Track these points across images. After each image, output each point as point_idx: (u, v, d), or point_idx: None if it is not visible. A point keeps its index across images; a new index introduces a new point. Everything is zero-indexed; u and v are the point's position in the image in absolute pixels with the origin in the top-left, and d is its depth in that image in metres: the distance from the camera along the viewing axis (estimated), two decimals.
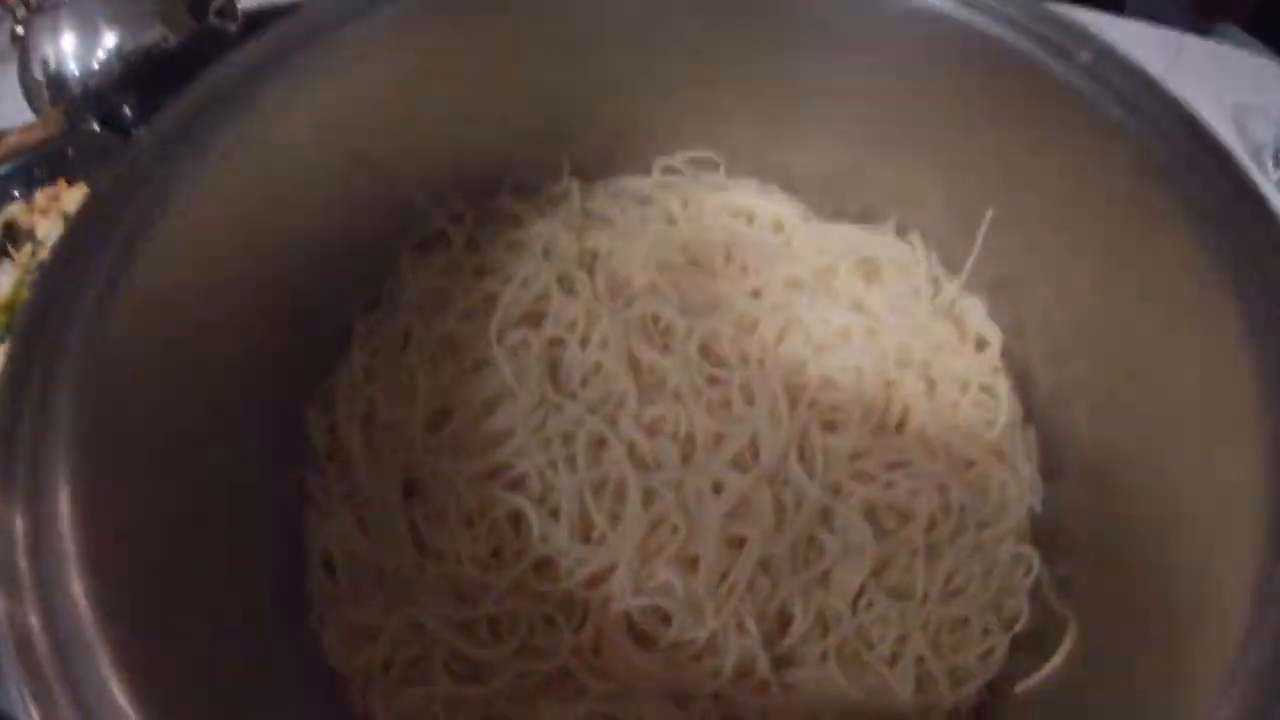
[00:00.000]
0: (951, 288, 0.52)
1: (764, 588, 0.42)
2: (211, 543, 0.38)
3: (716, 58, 0.51)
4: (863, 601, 0.43)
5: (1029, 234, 0.48)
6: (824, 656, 0.42)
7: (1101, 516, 0.42)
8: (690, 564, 0.42)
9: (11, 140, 0.61)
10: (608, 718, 0.40)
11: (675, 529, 0.42)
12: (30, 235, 0.57)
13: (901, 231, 0.54)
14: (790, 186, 0.56)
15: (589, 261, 0.51)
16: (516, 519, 0.44)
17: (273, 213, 0.43)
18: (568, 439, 0.45)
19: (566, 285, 0.50)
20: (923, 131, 0.49)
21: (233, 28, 0.63)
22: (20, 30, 0.62)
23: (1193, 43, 0.72)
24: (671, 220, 0.53)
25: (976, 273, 0.51)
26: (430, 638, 0.42)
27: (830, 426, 0.46)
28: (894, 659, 0.42)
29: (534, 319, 0.49)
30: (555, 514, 0.43)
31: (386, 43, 0.45)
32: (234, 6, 0.64)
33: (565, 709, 0.40)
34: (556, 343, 0.48)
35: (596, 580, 0.42)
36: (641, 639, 0.42)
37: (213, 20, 0.63)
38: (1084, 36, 0.42)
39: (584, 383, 0.47)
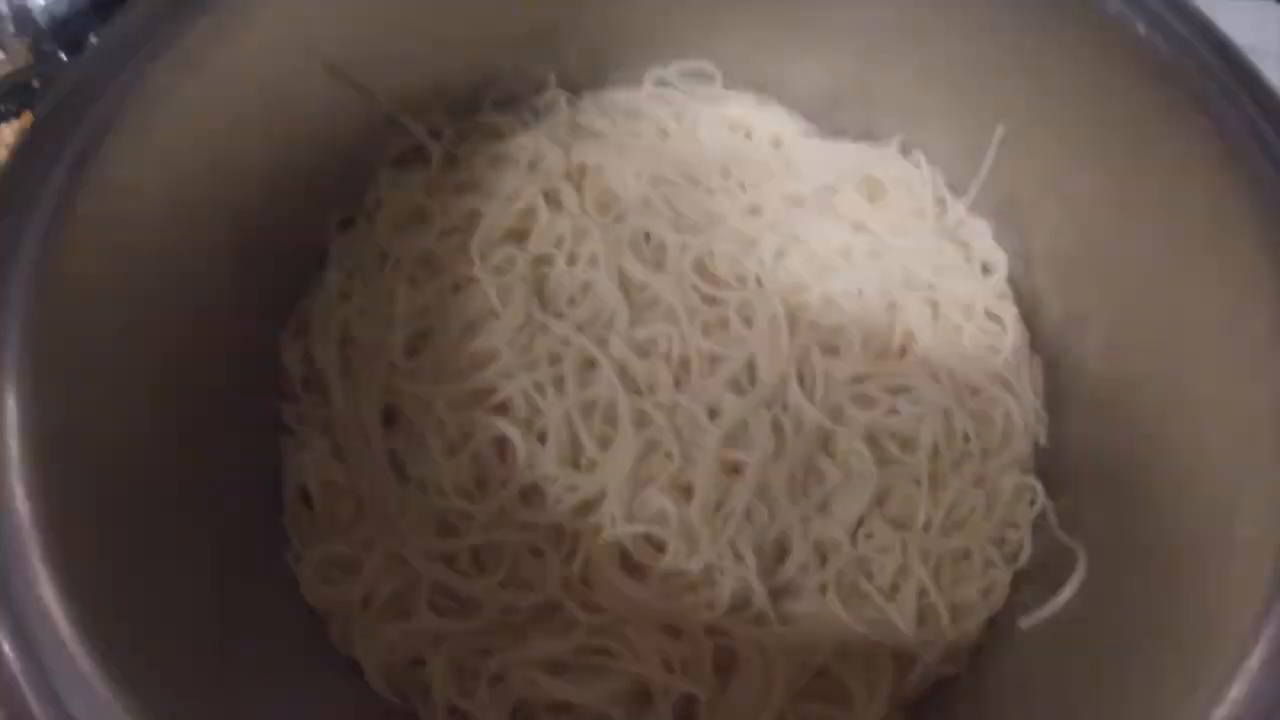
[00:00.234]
0: (958, 209, 0.50)
1: (761, 516, 0.41)
2: (177, 478, 0.37)
3: None
4: (863, 531, 0.42)
5: (1041, 154, 0.46)
6: (822, 588, 0.41)
7: (1110, 451, 0.41)
8: (684, 491, 0.41)
9: None
10: (599, 651, 0.40)
11: (669, 454, 0.41)
12: None
13: (905, 151, 0.52)
14: (790, 102, 0.53)
15: (577, 176, 0.49)
16: (501, 445, 0.42)
17: (238, 129, 0.41)
18: (555, 360, 0.43)
19: (553, 200, 0.47)
20: (929, 44, 0.47)
21: None
22: None
23: None
24: (665, 134, 0.51)
25: (984, 194, 0.49)
26: (412, 571, 0.41)
27: (831, 350, 0.45)
28: (894, 591, 0.42)
29: (519, 236, 0.47)
30: (542, 439, 0.42)
31: None
32: None
33: (555, 643, 0.39)
34: (543, 260, 0.46)
35: (586, 508, 0.41)
36: (633, 569, 0.40)
37: None
38: None
39: (572, 302, 0.45)
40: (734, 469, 0.41)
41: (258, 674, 0.36)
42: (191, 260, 0.39)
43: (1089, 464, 0.43)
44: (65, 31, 0.59)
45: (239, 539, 0.40)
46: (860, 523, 0.42)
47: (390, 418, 0.45)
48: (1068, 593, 0.38)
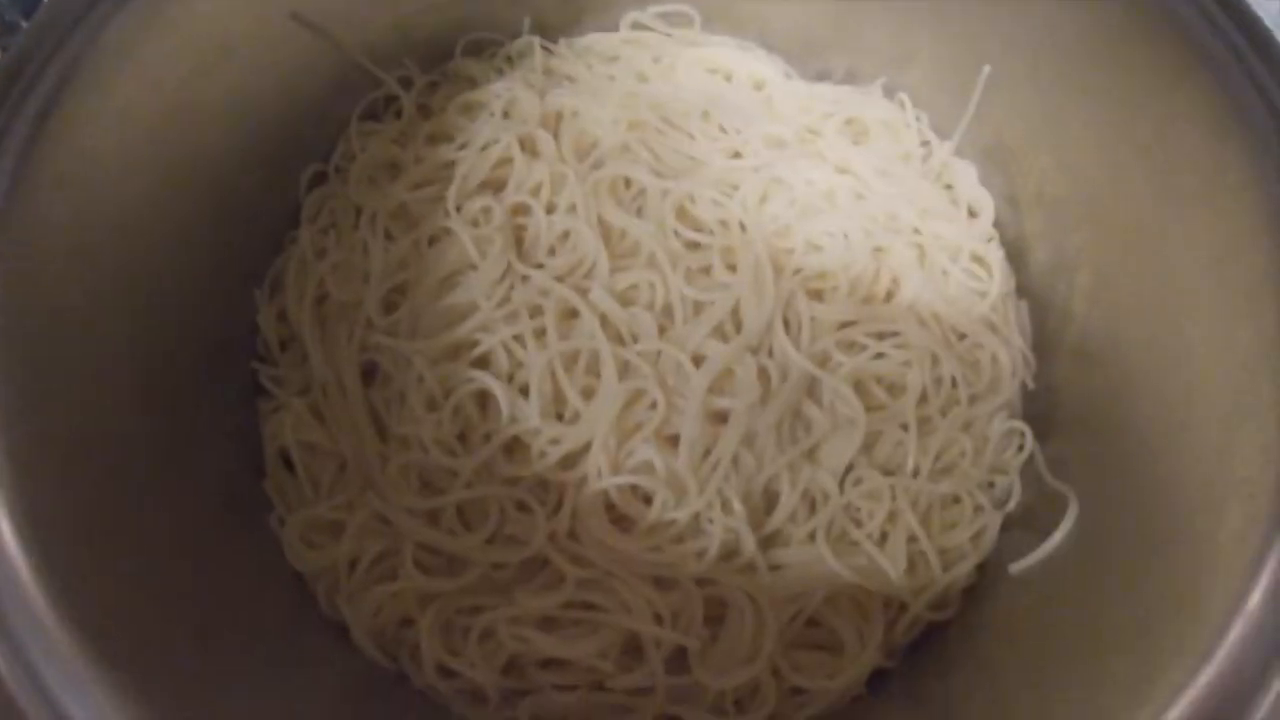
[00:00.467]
0: (943, 151, 0.49)
1: (749, 464, 0.40)
2: (153, 446, 0.36)
3: None
4: (851, 478, 0.42)
5: (1029, 97, 0.45)
6: (811, 536, 0.41)
7: (1099, 395, 0.41)
8: (670, 441, 0.40)
9: None
10: (588, 605, 0.39)
11: (654, 404, 0.40)
12: None
13: (889, 93, 0.51)
14: (771, 45, 0.52)
15: (553, 122, 0.47)
16: (483, 399, 0.42)
17: (202, 85, 0.40)
18: (535, 311, 0.42)
19: (529, 148, 0.46)
20: None
21: None
22: None
23: None
24: (643, 78, 0.50)
25: (970, 137, 0.49)
26: (397, 530, 0.41)
27: (816, 295, 0.44)
28: (884, 538, 0.41)
29: (495, 185, 0.46)
30: (524, 391, 0.41)
31: None
32: None
33: (543, 598, 0.39)
34: (520, 210, 0.45)
35: (571, 460, 0.40)
36: (620, 521, 0.40)
37: None
38: None
39: (551, 251, 0.44)
40: (720, 417, 0.41)
41: (245, 641, 0.36)
42: (158, 221, 0.39)
43: (1078, 409, 0.43)
44: (28, 1, 0.56)
45: (221, 505, 0.40)
46: (849, 469, 0.42)
47: (369, 375, 0.44)
48: (1059, 537, 0.38)
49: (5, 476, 0.29)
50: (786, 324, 0.43)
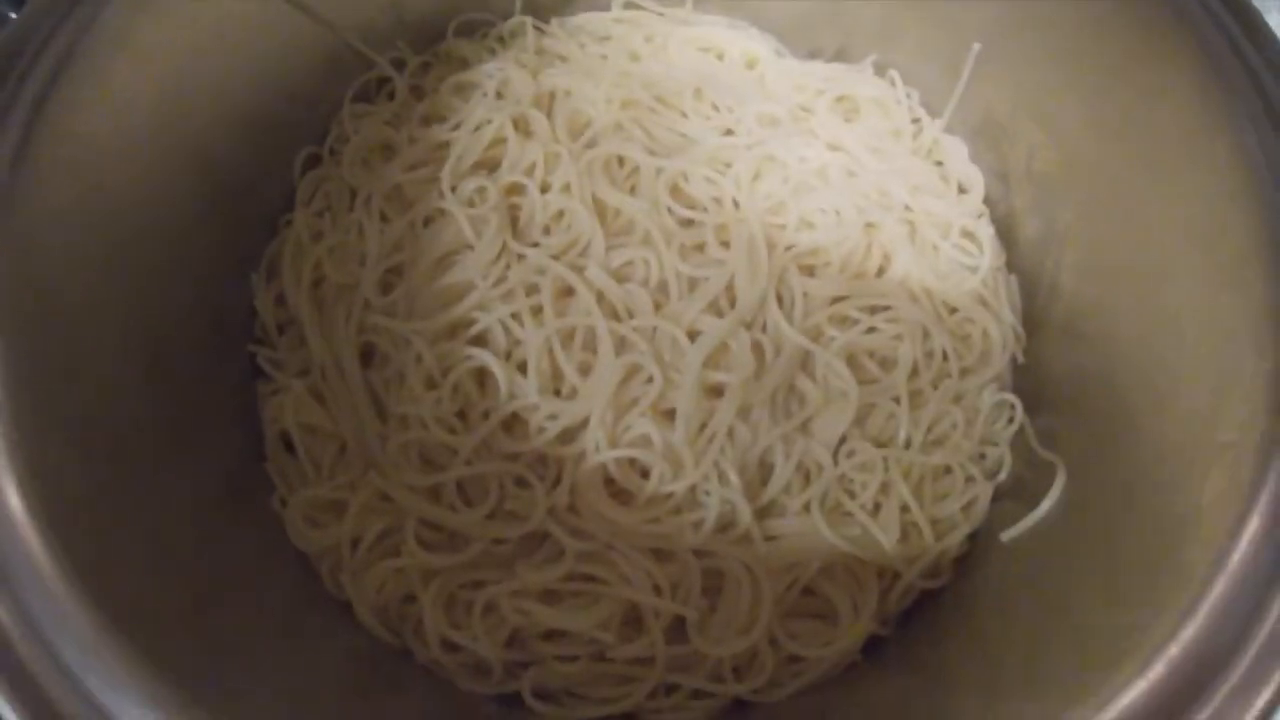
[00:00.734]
0: (934, 128, 0.50)
1: (744, 437, 0.41)
2: (155, 429, 0.36)
3: None
4: (844, 450, 0.42)
5: (1018, 73, 0.45)
6: (806, 507, 0.41)
7: (1088, 367, 0.42)
8: (667, 415, 0.41)
9: None
10: (588, 578, 0.40)
11: (650, 379, 0.41)
12: None
13: (880, 71, 0.51)
14: (762, 23, 0.52)
15: (546, 102, 0.48)
16: (481, 376, 0.42)
17: (196, 68, 0.40)
18: (531, 290, 0.42)
19: (522, 128, 0.46)
20: None
21: None
22: None
23: None
24: (635, 57, 0.50)
25: (960, 114, 0.49)
26: (399, 508, 0.41)
27: (809, 270, 0.45)
28: (877, 508, 0.42)
29: (489, 165, 0.46)
30: (522, 368, 0.42)
31: None
32: None
33: (544, 571, 0.40)
34: (515, 189, 0.45)
35: (569, 435, 0.41)
36: (619, 495, 0.41)
37: None
38: None
39: (546, 230, 0.44)
40: (715, 391, 0.41)
41: (250, 618, 0.36)
42: (156, 206, 0.39)
43: (1067, 381, 0.43)
44: None
45: (222, 487, 0.40)
46: (842, 441, 0.42)
47: (367, 356, 0.44)
48: (1047, 505, 0.39)
49: (17, 455, 0.29)
50: (780, 299, 0.43)
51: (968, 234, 0.47)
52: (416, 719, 0.39)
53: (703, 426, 0.40)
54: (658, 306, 0.42)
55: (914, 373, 0.44)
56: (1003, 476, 0.43)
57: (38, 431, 0.30)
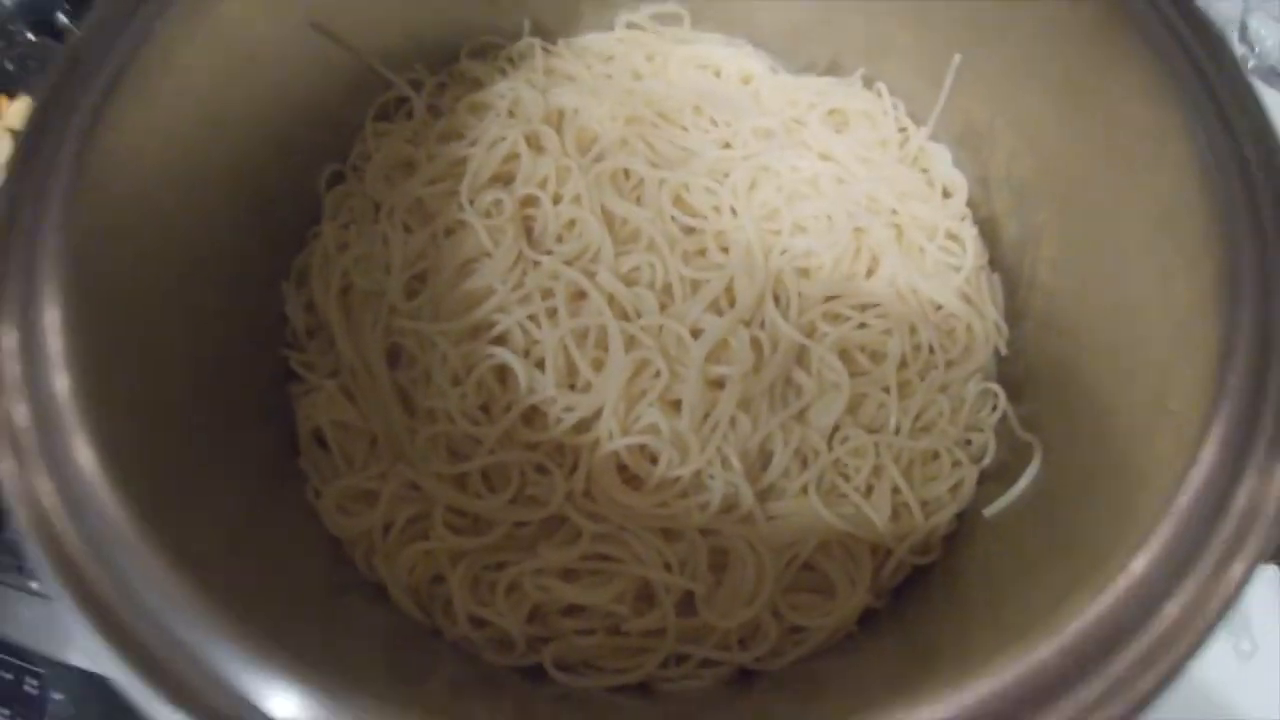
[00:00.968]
0: (919, 137, 0.52)
1: (745, 426, 0.43)
2: (198, 427, 0.38)
3: None
4: (838, 437, 0.45)
5: (995, 82, 0.48)
6: (804, 489, 0.44)
7: (1064, 354, 0.44)
8: (674, 405, 0.43)
9: None
10: (603, 557, 0.42)
11: (657, 373, 0.43)
12: None
13: (869, 83, 0.54)
14: (756, 39, 0.55)
15: (556, 119, 0.50)
16: (502, 373, 0.45)
17: (230, 89, 0.42)
18: (547, 293, 0.45)
19: (534, 144, 0.49)
20: None
21: None
22: None
23: None
24: (638, 75, 0.53)
25: (943, 123, 0.51)
26: (427, 495, 0.43)
27: (803, 272, 0.47)
28: (869, 490, 0.44)
29: (504, 179, 0.49)
30: (540, 365, 0.44)
31: None
32: None
33: (563, 552, 0.42)
34: (529, 201, 0.48)
35: (584, 425, 0.43)
36: (630, 479, 0.43)
37: None
38: None
39: (559, 238, 0.47)
40: (718, 383, 0.44)
41: (291, 602, 0.37)
42: (196, 219, 0.40)
43: (1046, 369, 0.45)
44: (32, 11, 0.59)
45: (260, 481, 0.42)
46: (836, 428, 0.45)
47: (394, 358, 0.46)
48: (1024, 482, 0.41)
49: (86, 416, 0.30)
50: (776, 299, 0.46)
51: (952, 236, 0.50)
52: (447, 689, 0.41)
53: (706, 415, 0.43)
54: (663, 307, 0.45)
55: (902, 365, 0.46)
56: (987, 461, 0.46)
57: (101, 399, 0.31)
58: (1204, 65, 0.37)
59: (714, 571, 0.42)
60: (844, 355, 0.46)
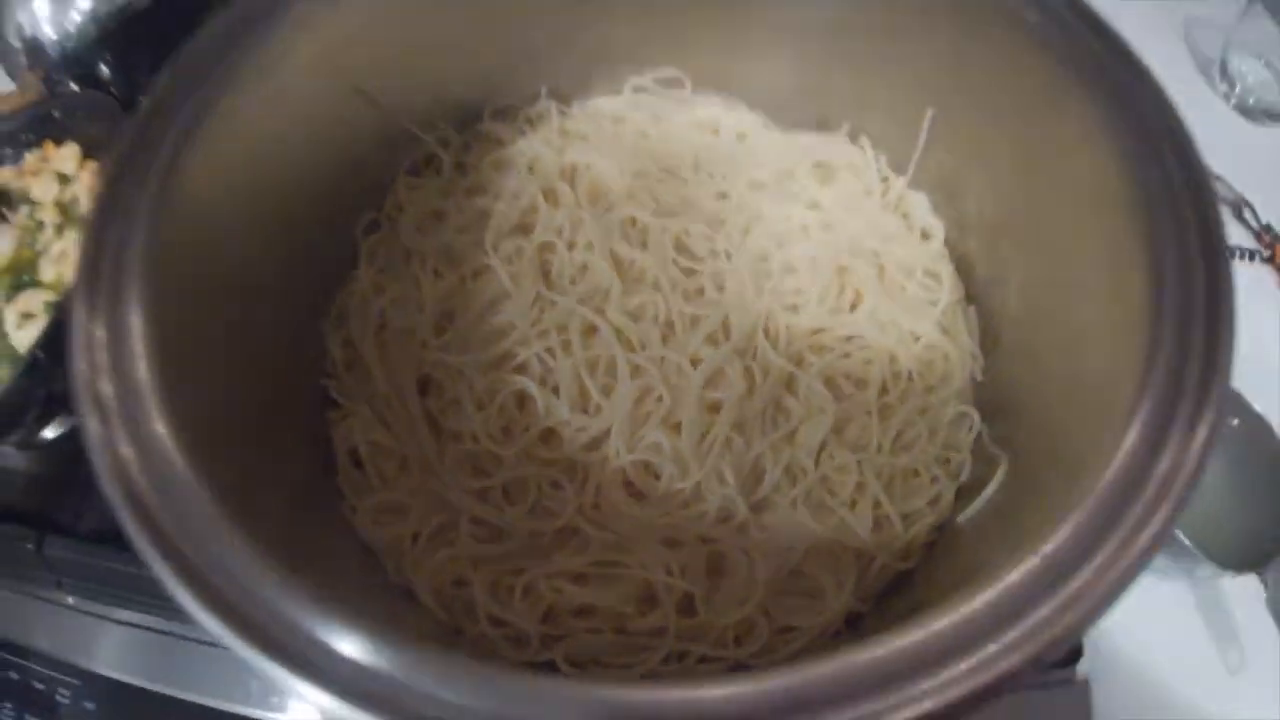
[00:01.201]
0: (899, 185, 0.57)
1: (739, 445, 0.48)
2: (246, 448, 0.41)
3: None
4: (825, 455, 0.49)
5: (964, 136, 0.52)
6: (794, 503, 0.48)
7: (1031, 375, 0.48)
8: (674, 427, 0.48)
9: None
10: (611, 564, 0.46)
11: (660, 398, 0.48)
12: (25, 197, 0.59)
13: (853, 136, 0.58)
14: (751, 98, 0.60)
15: (570, 175, 0.56)
16: (522, 398, 0.49)
17: (281, 145, 0.46)
18: (562, 328, 0.50)
19: (551, 197, 0.54)
20: (871, 44, 0.54)
21: None
22: None
23: None
24: (644, 135, 0.58)
25: (921, 171, 0.56)
26: (453, 508, 0.47)
27: (792, 308, 0.52)
28: (853, 504, 0.48)
29: (525, 229, 0.54)
30: (556, 391, 0.49)
31: None
32: None
33: (574, 558, 0.46)
34: (546, 248, 0.53)
35: (594, 444, 0.48)
36: (636, 493, 0.47)
37: None
38: None
39: (573, 280, 0.52)
40: (714, 408, 0.48)
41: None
42: (250, 262, 0.45)
43: (1016, 390, 0.49)
44: (76, 64, 0.61)
45: (300, 497, 0.46)
46: (822, 448, 0.49)
47: (424, 387, 0.51)
48: (991, 488, 0.45)
49: (165, 399, 0.34)
50: (767, 332, 0.51)
51: (930, 273, 0.54)
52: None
53: (704, 436, 0.47)
54: (665, 340, 0.50)
55: (883, 390, 0.50)
56: (964, 477, 0.49)
57: (173, 388, 0.35)
58: (1147, 118, 0.41)
59: (711, 576, 0.46)
60: (829, 382, 0.50)
